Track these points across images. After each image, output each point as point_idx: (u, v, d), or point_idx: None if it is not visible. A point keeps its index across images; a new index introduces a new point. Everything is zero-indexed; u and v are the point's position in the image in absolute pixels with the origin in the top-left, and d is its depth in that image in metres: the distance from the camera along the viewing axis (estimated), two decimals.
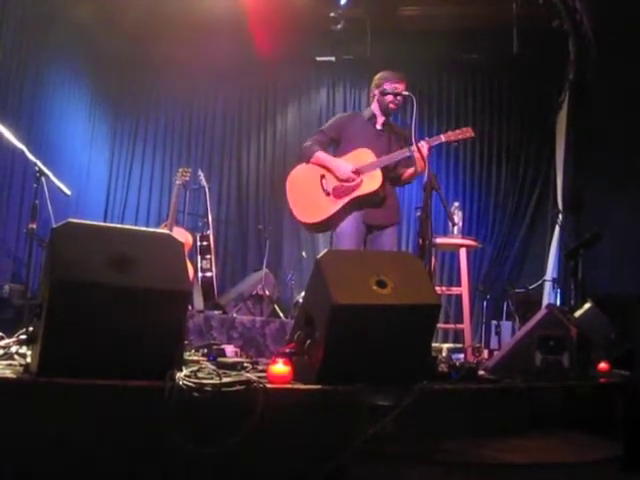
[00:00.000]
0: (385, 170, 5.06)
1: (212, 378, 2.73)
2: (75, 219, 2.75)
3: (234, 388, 2.67)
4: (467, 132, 5.03)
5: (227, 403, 2.67)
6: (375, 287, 2.99)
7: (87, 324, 2.58)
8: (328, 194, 5.08)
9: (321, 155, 5.18)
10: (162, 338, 2.70)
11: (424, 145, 4.87)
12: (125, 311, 2.61)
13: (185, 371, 2.70)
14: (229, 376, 2.79)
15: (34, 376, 2.58)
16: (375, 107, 5.29)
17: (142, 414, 2.56)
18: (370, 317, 2.96)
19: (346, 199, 5.03)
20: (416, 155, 4.86)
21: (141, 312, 2.63)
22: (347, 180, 5.03)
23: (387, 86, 5.14)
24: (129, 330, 2.64)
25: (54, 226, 2.69)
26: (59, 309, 2.54)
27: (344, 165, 5.06)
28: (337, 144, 5.29)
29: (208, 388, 2.62)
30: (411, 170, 5.12)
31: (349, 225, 5.08)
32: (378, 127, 5.29)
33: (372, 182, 5.01)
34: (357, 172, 5.04)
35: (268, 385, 2.79)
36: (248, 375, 2.80)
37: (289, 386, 2.88)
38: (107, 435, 2.53)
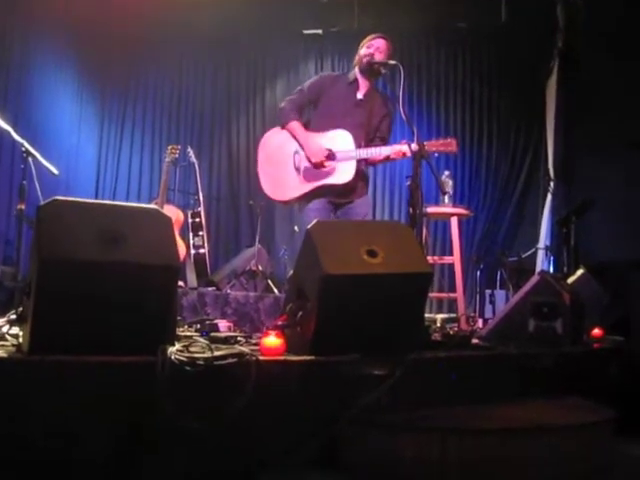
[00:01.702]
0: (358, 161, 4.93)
1: (204, 352, 2.71)
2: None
3: (226, 361, 2.66)
4: (450, 145, 4.82)
5: (220, 376, 2.66)
6: (366, 257, 2.98)
7: (77, 301, 2.56)
8: (298, 172, 4.98)
9: (296, 127, 5.05)
10: (153, 313, 2.69)
11: (405, 152, 4.75)
12: (114, 287, 2.59)
13: (177, 346, 2.69)
14: (221, 350, 2.78)
15: (26, 355, 2.56)
16: (356, 70, 5.14)
17: (135, 389, 2.55)
18: (361, 287, 2.95)
19: (314, 184, 4.94)
20: (396, 156, 4.82)
21: (131, 288, 2.62)
22: (316, 165, 4.91)
23: (365, 46, 5.04)
24: (119, 306, 2.62)
25: (40, 204, 2.67)
26: (48, 287, 2.52)
27: (319, 148, 4.92)
28: (315, 106, 5.16)
29: (200, 362, 2.61)
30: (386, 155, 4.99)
31: (317, 204, 4.99)
32: (359, 96, 5.12)
33: (344, 174, 4.89)
34: (332, 156, 4.92)
35: (261, 357, 2.78)
36: (240, 348, 2.80)
37: (282, 358, 2.88)
38: (100, 411, 2.52)
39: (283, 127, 5.10)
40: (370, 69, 5.04)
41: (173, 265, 2.72)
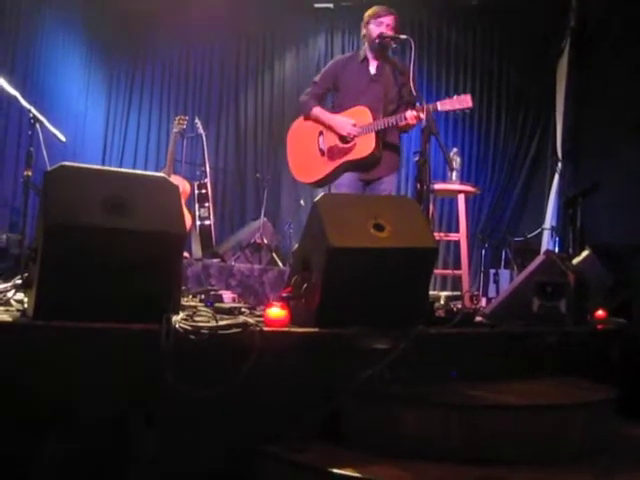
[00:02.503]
0: (380, 132, 4.93)
1: (209, 321, 2.72)
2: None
3: (231, 331, 2.67)
4: (464, 101, 4.73)
5: (224, 346, 2.67)
6: (373, 230, 2.98)
7: (82, 267, 2.57)
8: (323, 153, 5.04)
9: (318, 112, 5.12)
10: (158, 281, 2.69)
11: (418, 114, 4.68)
12: (120, 254, 2.59)
13: (182, 314, 2.70)
14: (226, 320, 2.78)
15: (30, 319, 2.57)
16: (366, 47, 5.15)
17: (139, 357, 2.56)
18: (367, 260, 2.95)
19: (339, 162, 4.98)
20: (408, 122, 4.80)
21: (136, 254, 2.62)
22: (348, 134, 4.93)
23: (373, 22, 5.02)
24: (124, 273, 2.62)
25: (48, 169, 2.66)
26: (54, 252, 2.52)
27: (344, 120, 4.97)
28: (335, 90, 5.21)
29: (205, 331, 2.61)
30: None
31: (346, 179, 5.04)
32: (372, 71, 5.13)
33: (365, 146, 4.90)
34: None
35: (265, 328, 2.79)
36: (245, 318, 2.80)
37: (285, 329, 2.88)
38: (104, 377, 2.53)
39: (306, 118, 5.18)
40: (381, 46, 5.03)
41: (179, 233, 2.72)
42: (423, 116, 4.64)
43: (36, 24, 7.71)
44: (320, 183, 5.18)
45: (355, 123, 4.93)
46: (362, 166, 5.00)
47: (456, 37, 9.11)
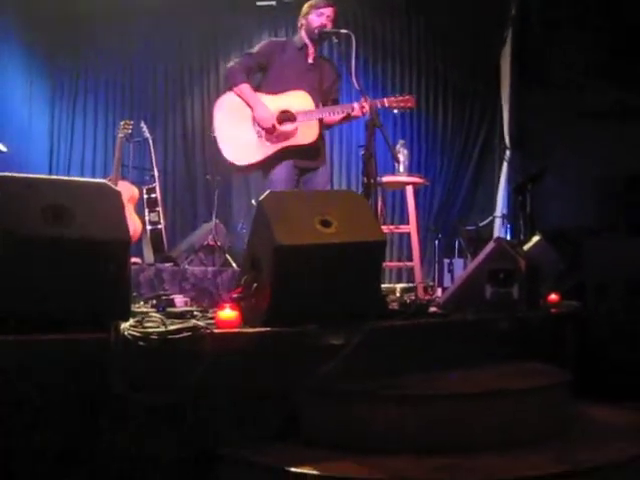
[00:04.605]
0: (320, 120, 4.96)
1: (158, 327, 2.69)
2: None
3: (181, 335, 2.64)
4: (408, 101, 4.96)
5: (175, 351, 2.64)
6: (319, 226, 2.97)
7: (25, 278, 2.53)
8: (260, 135, 4.93)
9: (245, 90, 4.99)
10: (104, 289, 2.65)
11: (365, 106, 4.75)
12: (62, 263, 2.56)
13: (131, 321, 2.66)
14: (176, 324, 2.75)
15: None
16: (304, 36, 5.14)
17: (88, 366, 2.52)
18: (315, 257, 2.94)
19: (279, 145, 4.91)
20: (356, 113, 4.83)
21: (79, 263, 2.58)
22: (268, 131, 4.88)
23: (314, 12, 5.02)
24: (68, 282, 2.58)
25: None
26: None
27: (266, 112, 4.91)
28: (264, 71, 5.11)
29: (154, 337, 2.59)
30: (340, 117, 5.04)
31: (283, 171, 4.97)
32: (309, 60, 5.15)
33: (308, 133, 4.91)
34: (292, 117, 4.91)
35: (216, 330, 2.76)
36: (195, 322, 2.77)
37: (237, 330, 2.86)
38: (54, 389, 2.48)
39: (231, 89, 5.04)
40: (320, 37, 5.05)
41: (122, 239, 2.68)
42: (367, 108, 4.68)
43: None
44: (257, 166, 5.02)
45: (288, 113, 4.89)
46: (302, 153, 4.95)
47: (399, 30, 9.10)
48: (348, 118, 5.03)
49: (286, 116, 4.92)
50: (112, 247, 2.64)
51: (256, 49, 5.20)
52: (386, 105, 4.89)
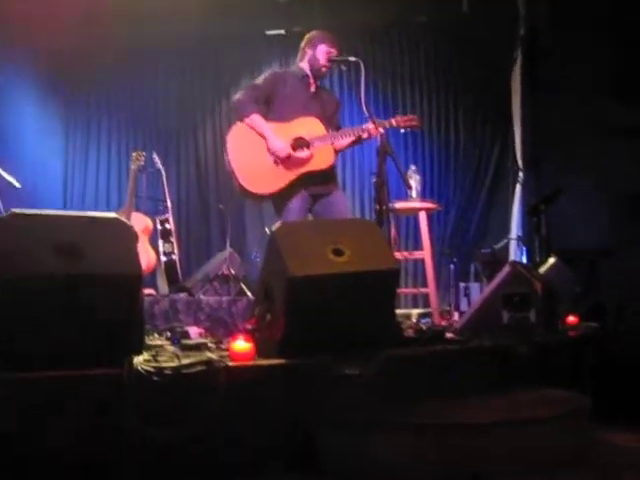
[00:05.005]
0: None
1: (172, 361, 2.67)
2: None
3: (194, 369, 2.62)
4: (413, 120, 5.01)
5: (189, 385, 2.62)
6: (332, 256, 2.95)
7: (38, 316, 2.52)
8: (277, 163, 4.92)
9: (257, 120, 4.99)
10: (117, 324, 2.64)
11: (377, 129, 4.75)
12: (75, 299, 2.55)
13: (144, 355, 2.65)
14: (190, 357, 2.73)
15: None
16: (306, 67, 5.15)
17: (103, 402, 2.51)
18: (328, 286, 2.92)
19: (297, 172, 4.89)
20: (366, 135, 4.84)
21: (91, 298, 2.57)
22: (284, 158, 4.88)
23: (321, 49, 5.04)
24: (81, 318, 2.57)
25: None
26: (5, 304, 2.47)
27: (280, 143, 4.90)
28: (269, 101, 5.09)
29: (168, 371, 2.57)
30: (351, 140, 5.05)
31: (298, 200, 4.95)
32: (312, 89, 5.16)
33: (324, 158, 4.91)
34: (306, 143, 4.91)
35: (230, 363, 2.74)
36: (209, 355, 2.76)
37: (251, 363, 2.84)
38: (69, 425, 2.47)
39: (242, 120, 5.03)
40: (319, 70, 5.10)
41: (134, 274, 2.67)
42: (382, 130, 4.73)
43: None
44: (279, 195, 4.98)
45: (301, 140, 4.90)
46: (316, 179, 4.95)
47: (408, 55, 9.11)
48: (358, 141, 5.03)
49: (300, 143, 4.92)
50: (124, 282, 2.63)
51: (261, 80, 5.20)
52: (394, 124, 4.92)
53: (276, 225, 3.07)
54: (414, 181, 6.32)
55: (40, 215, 2.72)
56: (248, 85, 5.32)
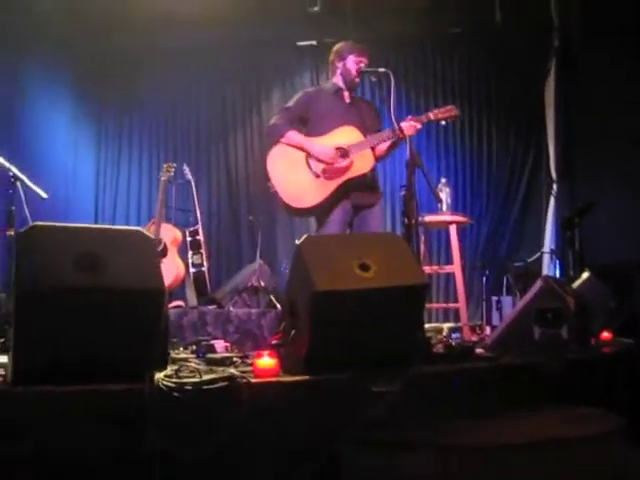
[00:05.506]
0: (373, 149, 4.92)
1: (194, 376, 2.63)
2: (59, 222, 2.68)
3: (216, 385, 2.58)
4: (451, 111, 4.94)
5: (211, 401, 2.57)
6: (358, 270, 2.89)
7: (59, 330, 2.50)
8: (317, 176, 4.89)
9: (293, 136, 4.98)
10: (140, 338, 2.60)
11: (414, 123, 4.75)
12: (97, 313, 2.52)
13: (165, 371, 2.61)
14: (212, 373, 2.69)
15: (10, 385, 2.49)
16: (339, 80, 5.12)
17: (123, 418, 2.47)
18: (354, 302, 2.86)
19: (338, 181, 4.86)
20: (405, 134, 4.77)
21: (114, 313, 2.54)
22: (332, 162, 4.86)
23: (351, 59, 5.00)
24: (103, 333, 2.54)
25: (18, 231, 2.60)
26: (27, 318, 2.45)
27: (323, 147, 4.89)
28: (305, 124, 5.08)
29: (189, 387, 2.52)
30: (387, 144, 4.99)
31: (340, 212, 4.92)
32: (346, 101, 5.13)
33: (363, 163, 4.86)
34: (344, 152, 4.86)
35: (253, 380, 2.69)
36: (231, 371, 2.71)
37: (274, 379, 2.78)
38: (88, 441, 2.43)
39: (278, 141, 5.01)
40: (352, 81, 5.06)
41: (157, 288, 2.63)
42: (419, 125, 4.75)
43: (20, 82, 7.68)
44: (321, 207, 4.94)
45: (341, 149, 4.86)
46: (360, 187, 4.92)
47: (441, 66, 9.06)
48: (397, 144, 4.95)
49: (340, 152, 4.88)
50: (146, 296, 2.59)
51: (293, 102, 5.17)
52: (431, 118, 4.88)
53: (302, 238, 3.01)
54: (444, 194, 6.25)
55: (61, 227, 2.69)
56: (280, 108, 5.29)
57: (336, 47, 5.13)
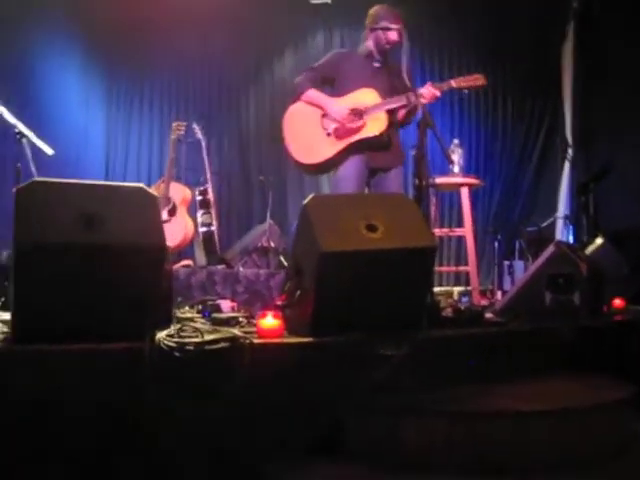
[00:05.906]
0: (390, 112, 4.84)
1: (196, 336, 2.57)
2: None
3: (218, 346, 2.52)
4: (478, 80, 4.79)
5: (212, 361, 2.52)
6: (365, 231, 2.82)
7: (60, 286, 2.45)
8: (329, 134, 4.88)
9: (313, 94, 4.99)
10: (140, 295, 2.55)
11: (434, 91, 4.67)
12: (96, 270, 2.46)
13: (167, 330, 2.55)
14: (215, 333, 2.63)
15: (10, 344, 2.45)
16: (370, 44, 5.02)
17: (123, 377, 2.43)
18: (361, 263, 2.79)
19: (348, 141, 4.83)
20: (422, 101, 4.67)
21: (114, 270, 2.48)
22: (344, 121, 4.82)
23: (384, 25, 4.88)
24: (103, 290, 2.49)
25: (18, 186, 2.55)
26: (26, 273, 2.40)
27: (338, 106, 4.86)
28: (332, 84, 5.06)
29: (190, 347, 2.47)
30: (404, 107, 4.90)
31: (349, 168, 4.88)
32: (376, 65, 5.03)
33: (376, 125, 4.79)
34: (359, 113, 4.81)
35: (256, 340, 2.64)
36: (233, 331, 2.64)
37: (278, 340, 2.73)
38: (89, 399, 2.40)
39: (299, 98, 5.04)
40: (383, 47, 4.97)
41: (157, 244, 2.57)
42: (439, 93, 4.68)
43: (31, 39, 7.60)
44: (328, 164, 4.96)
45: (356, 109, 4.82)
46: (373, 146, 4.87)
47: (457, 29, 8.88)
48: (414, 110, 4.86)
49: (355, 112, 4.84)
50: (146, 252, 2.54)
51: (321, 62, 5.16)
52: (453, 86, 4.77)
53: (308, 198, 2.94)
54: (457, 155, 6.15)
55: (61, 183, 2.63)
56: (307, 67, 5.25)
57: (371, 11, 5.03)
